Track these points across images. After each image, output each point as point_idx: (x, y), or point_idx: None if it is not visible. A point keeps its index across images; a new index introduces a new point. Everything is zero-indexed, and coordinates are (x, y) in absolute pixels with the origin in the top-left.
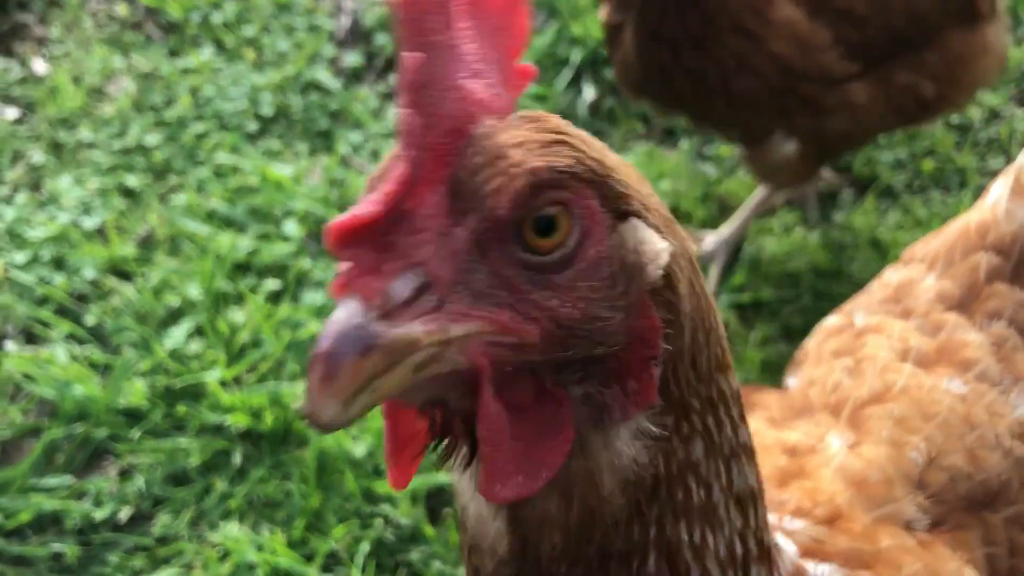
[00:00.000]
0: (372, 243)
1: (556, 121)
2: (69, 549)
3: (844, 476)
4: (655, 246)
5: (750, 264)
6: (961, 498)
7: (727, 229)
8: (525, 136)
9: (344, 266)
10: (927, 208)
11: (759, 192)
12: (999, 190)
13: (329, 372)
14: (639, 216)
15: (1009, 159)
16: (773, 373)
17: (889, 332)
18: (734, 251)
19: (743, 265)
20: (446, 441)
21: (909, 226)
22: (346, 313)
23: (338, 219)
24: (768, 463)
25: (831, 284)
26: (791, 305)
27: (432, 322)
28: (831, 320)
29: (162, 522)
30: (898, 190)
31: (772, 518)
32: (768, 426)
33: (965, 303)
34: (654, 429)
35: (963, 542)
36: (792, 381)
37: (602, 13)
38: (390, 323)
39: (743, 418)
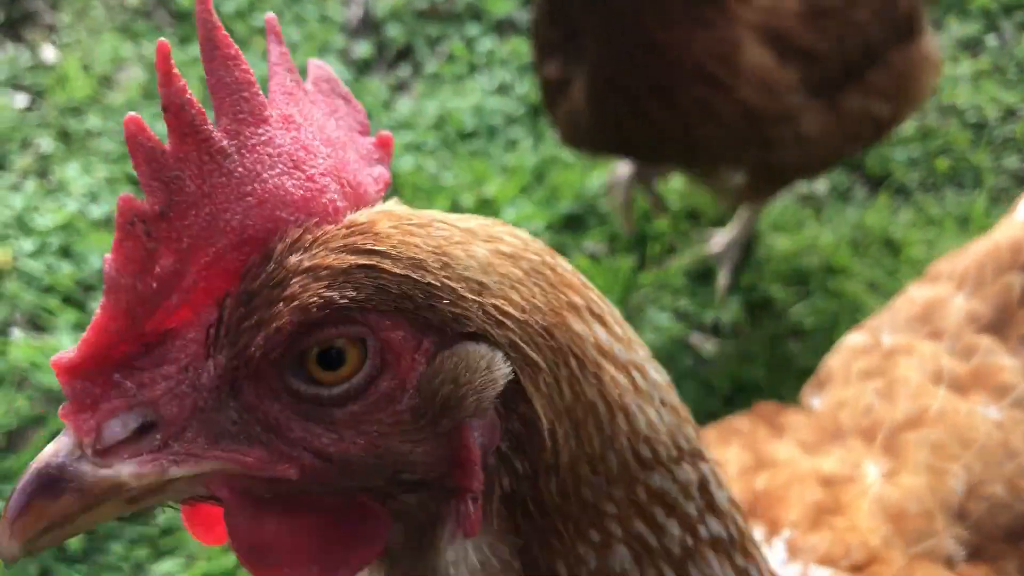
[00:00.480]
0: (98, 376)
1: (383, 225)
2: (73, 539)
3: (882, 508)
4: (491, 372)
5: (760, 261)
6: (1000, 528)
7: (734, 228)
8: (320, 258)
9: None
10: (941, 207)
11: (748, 212)
12: None
13: (14, 511)
14: (477, 337)
15: None
16: (781, 372)
17: (920, 354)
18: (745, 248)
19: (753, 262)
20: None
21: (922, 225)
22: (54, 448)
23: (61, 353)
24: (802, 497)
25: (842, 283)
26: (802, 303)
27: (148, 463)
28: (855, 338)
29: (166, 513)
30: (911, 188)
31: (796, 567)
32: (801, 451)
33: (998, 325)
34: (499, 550)
35: (1001, 572)
36: (817, 401)
37: (548, 71)
38: (98, 464)
39: (714, 508)
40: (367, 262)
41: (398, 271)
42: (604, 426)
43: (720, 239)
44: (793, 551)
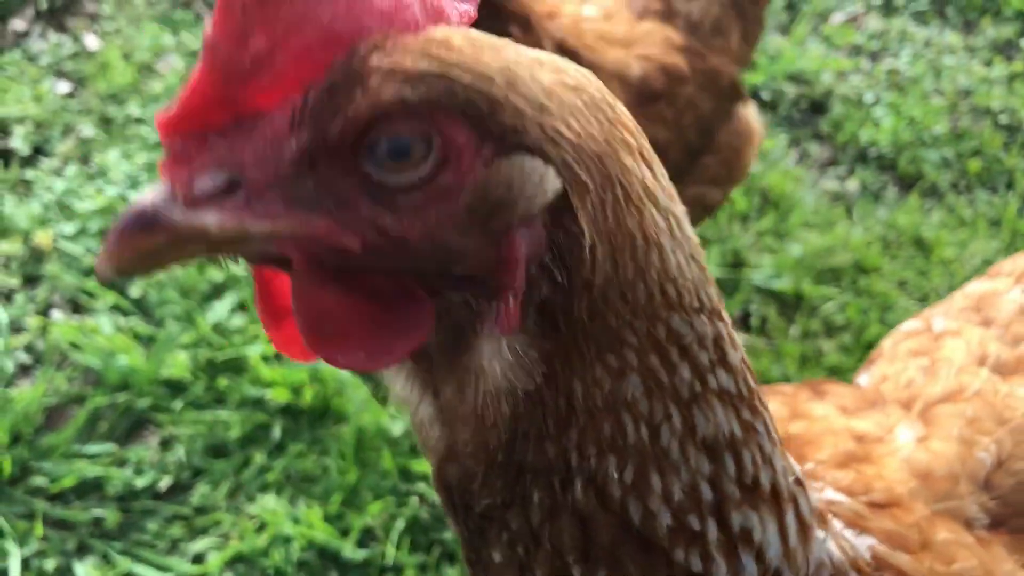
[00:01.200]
0: (198, 136)
1: (457, 40)
2: (110, 515)
3: (910, 467)
4: (542, 184)
5: (792, 258)
6: None
7: None
8: (398, 61)
9: (167, 151)
10: (972, 208)
11: None
12: None
13: (113, 241)
14: (533, 151)
15: None
16: (811, 368)
17: (968, 337)
18: None
19: (786, 256)
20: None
21: (953, 225)
22: (152, 194)
23: (174, 104)
24: (834, 444)
25: (873, 281)
26: (832, 301)
27: (230, 216)
28: (909, 324)
29: (201, 492)
30: (943, 189)
31: (812, 489)
32: (839, 413)
33: None
34: (530, 352)
35: (1020, 543)
36: (864, 379)
37: None
38: (188, 211)
39: (726, 363)
40: (439, 69)
41: (466, 80)
42: (639, 257)
43: None
44: (813, 478)
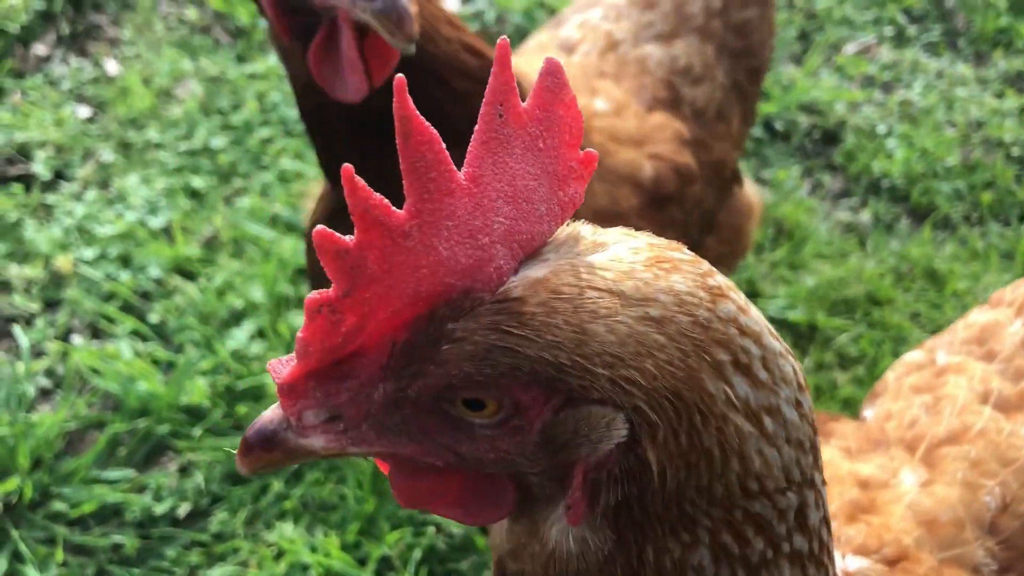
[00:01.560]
0: (299, 388)
1: (532, 303)
2: (129, 541)
3: (915, 514)
4: (609, 430)
5: (806, 289)
6: None
7: None
8: (471, 333)
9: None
10: (984, 240)
11: None
12: None
13: (243, 451)
14: (602, 401)
15: None
16: (826, 401)
17: (971, 373)
18: None
19: (799, 287)
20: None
21: (966, 258)
22: (270, 415)
23: (276, 367)
24: (840, 494)
25: (886, 313)
26: (846, 333)
27: (333, 442)
28: (913, 355)
29: (219, 519)
30: (956, 221)
31: (835, 555)
32: (843, 456)
33: None
34: (601, 530)
35: None
36: (869, 413)
37: None
38: (299, 436)
39: (804, 528)
40: (506, 344)
41: (533, 353)
42: (716, 467)
43: None
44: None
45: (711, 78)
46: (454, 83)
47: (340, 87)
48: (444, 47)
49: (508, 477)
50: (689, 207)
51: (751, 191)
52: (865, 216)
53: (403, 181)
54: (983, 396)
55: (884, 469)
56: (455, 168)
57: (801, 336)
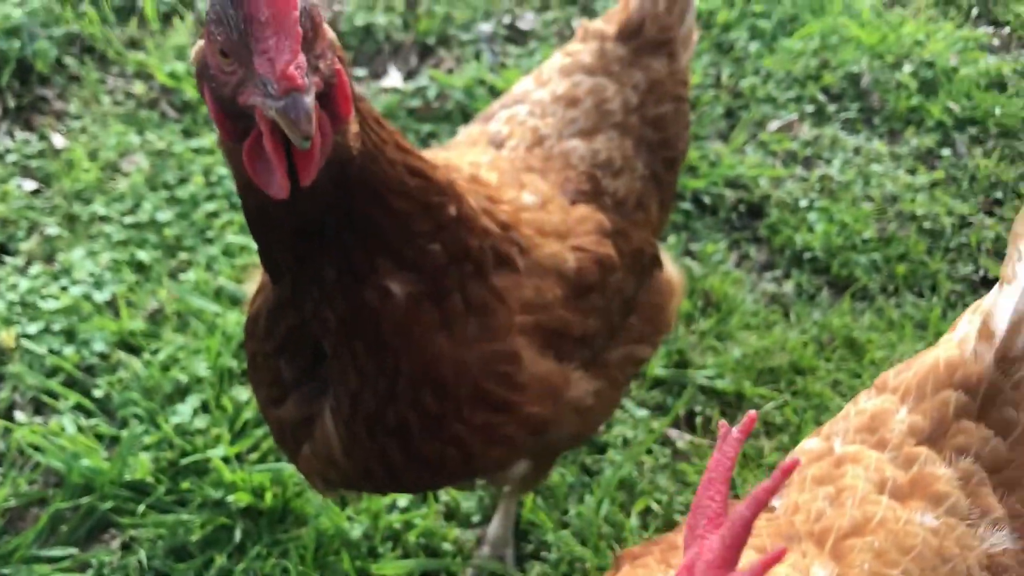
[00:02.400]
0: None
1: None
2: None
3: None
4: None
5: (733, 359)
6: None
7: (500, 518)
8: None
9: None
10: (899, 310)
11: (506, 499)
12: (966, 327)
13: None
14: None
15: (977, 265)
16: (753, 468)
17: (866, 463)
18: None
19: (727, 357)
20: None
21: (883, 328)
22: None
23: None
24: None
25: (809, 382)
26: (771, 402)
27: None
28: (811, 443)
29: None
30: (873, 292)
31: None
32: (758, 556)
33: (935, 438)
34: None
35: None
36: (777, 502)
37: (285, 411)
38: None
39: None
40: None
41: None
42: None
43: (493, 535)
44: None
45: (631, 169)
46: (393, 202)
47: (270, 185)
48: (386, 167)
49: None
50: (611, 294)
51: (671, 271)
52: (788, 287)
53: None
54: (880, 485)
55: (797, 567)
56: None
57: (729, 404)
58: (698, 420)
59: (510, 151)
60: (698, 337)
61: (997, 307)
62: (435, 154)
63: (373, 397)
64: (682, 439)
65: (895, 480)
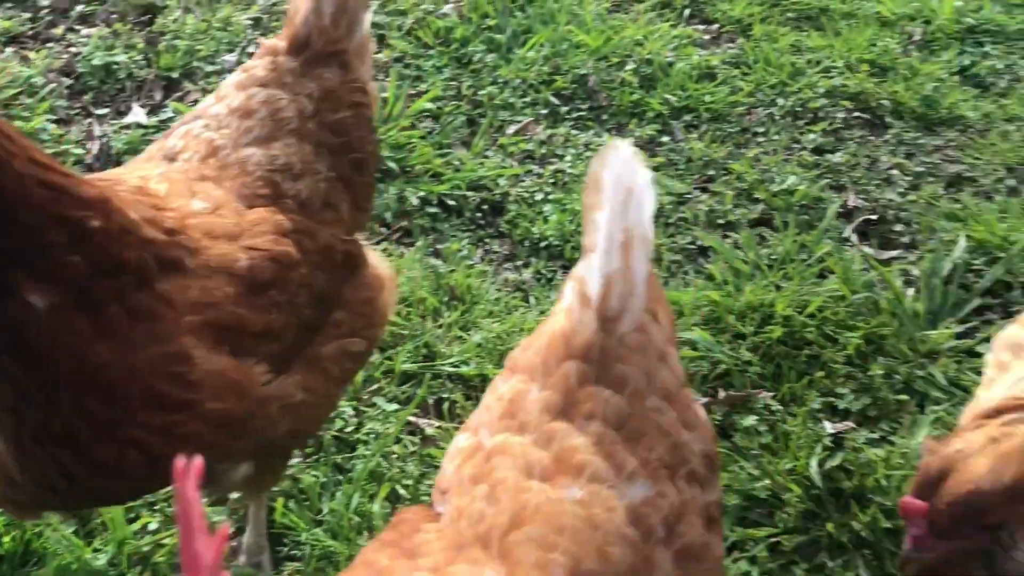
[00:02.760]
0: None
1: None
2: None
3: None
4: None
5: (475, 345)
6: None
7: (251, 528)
8: None
9: None
10: None
11: (253, 505)
12: (570, 296)
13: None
14: None
15: (694, 237)
16: None
17: (512, 451)
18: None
19: (470, 344)
20: None
21: None
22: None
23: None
24: None
25: None
26: None
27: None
28: (462, 440)
29: None
30: None
31: None
32: None
33: (565, 410)
34: None
35: None
36: (442, 509)
37: None
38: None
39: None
40: None
41: None
42: None
43: (247, 544)
44: None
45: (313, 172)
46: (21, 215)
47: None
48: (11, 181)
49: None
50: (294, 289)
51: (380, 266)
52: (528, 274)
53: None
54: (528, 471)
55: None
56: None
57: (474, 387)
58: (445, 406)
59: (183, 163)
60: (445, 329)
61: (588, 275)
62: (108, 173)
63: (34, 409)
64: (430, 426)
65: (540, 462)
